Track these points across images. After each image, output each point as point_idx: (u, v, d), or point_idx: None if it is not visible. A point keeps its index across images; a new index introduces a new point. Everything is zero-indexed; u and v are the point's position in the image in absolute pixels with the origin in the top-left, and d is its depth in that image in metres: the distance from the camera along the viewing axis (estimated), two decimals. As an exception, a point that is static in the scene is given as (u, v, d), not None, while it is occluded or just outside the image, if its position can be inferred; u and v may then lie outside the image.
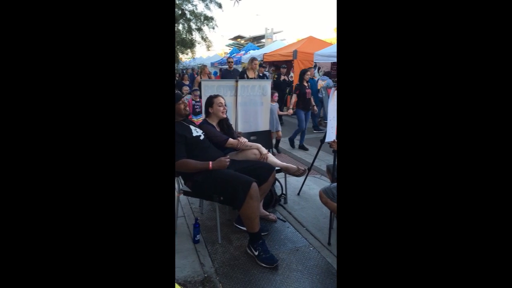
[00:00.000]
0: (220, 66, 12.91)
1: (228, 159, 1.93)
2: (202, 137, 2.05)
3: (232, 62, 5.91)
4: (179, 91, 2.10)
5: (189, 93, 4.55)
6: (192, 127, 2.03)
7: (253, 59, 4.91)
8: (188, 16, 11.22)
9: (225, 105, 2.28)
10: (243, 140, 2.19)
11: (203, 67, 5.70)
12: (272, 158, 2.25)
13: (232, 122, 2.58)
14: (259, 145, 2.25)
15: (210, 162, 1.88)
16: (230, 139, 2.16)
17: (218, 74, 10.28)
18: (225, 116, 2.28)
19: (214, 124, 2.28)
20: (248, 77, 4.51)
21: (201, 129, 2.16)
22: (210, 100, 2.26)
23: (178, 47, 11.44)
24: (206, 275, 1.68)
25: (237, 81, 2.85)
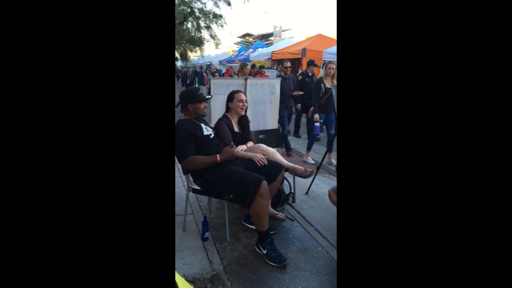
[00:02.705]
0: (228, 64, 12.91)
1: (234, 148, 1.92)
2: (212, 135, 2.06)
3: (289, 67, 4.15)
4: (203, 92, 2.12)
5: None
6: (203, 125, 2.04)
7: (327, 63, 3.58)
8: (197, 14, 11.26)
9: (246, 102, 2.29)
10: (239, 148, 2.18)
11: (242, 65, 4.27)
12: (278, 157, 2.24)
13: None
14: (259, 151, 2.21)
15: (218, 155, 1.89)
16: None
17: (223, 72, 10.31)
18: (243, 113, 2.28)
19: (234, 121, 2.28)
20: (325, 86, 3.49)
21: (215, 126, 2.17)
22: (231, 95, 2.29)
23: (187, 45, 11.48)
24: (214, 272, 1.69)
25: (246, 80, 2.85)
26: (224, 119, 2.26)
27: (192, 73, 10.87)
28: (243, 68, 4.16)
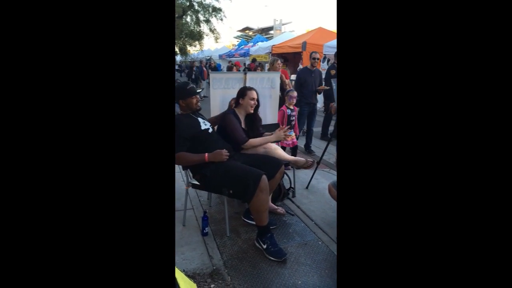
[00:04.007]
0: (228, 59, 12.82)
1: (227, 153, 1.88)
2: (210, 130, 2.03)
3: (317, 59, 3.71)
4: (193, 86, 2.05)
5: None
6: (200, 119, 2.02)
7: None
8: (196, 7, 11.15)
9: (257, 100, 2.22)
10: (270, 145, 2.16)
11: (273, 60, 3.70)
12: (280, 152, 2.23)
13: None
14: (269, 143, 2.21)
15: (206, 154, 1.85)
16: (250, 141, 2.11)
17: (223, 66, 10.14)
18: (252, 111, 2.22)
19: (242, 118, 2.23)
20: None
21: (224, 119, 2.13)
22: (244, 91, 2.20)
23: (186, 39, 11.39)
24: (214, 267, 1.69)
25: (245, 74, 2.82)
26: (231, 112, 2.19)
27: (197, 68, 10.50)
28: (274, 63, 3.61)
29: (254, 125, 2.27)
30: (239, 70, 8.25)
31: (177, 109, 2.02)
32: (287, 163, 2.27)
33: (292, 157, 2.23)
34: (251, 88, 2.23)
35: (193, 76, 9.68)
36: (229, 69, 8.81)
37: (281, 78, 3.31)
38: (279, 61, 3.48)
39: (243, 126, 2.23)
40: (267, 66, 8.00)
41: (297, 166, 2.23)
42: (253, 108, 2.21)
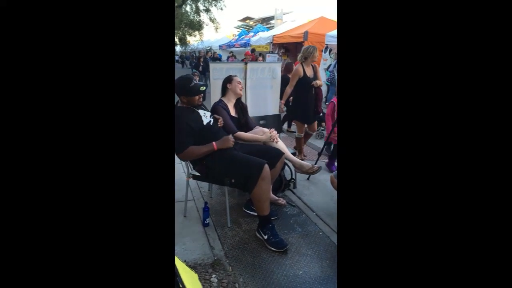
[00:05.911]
0: (229, 49, 12.69)
1: (233, 140, 1.90)
2: (211, 122, 2.01)
3: None
4: (197, 83, 1.93)
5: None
6: (201, 112, 1.99)
7: None
8: (196, -4, 10.97)
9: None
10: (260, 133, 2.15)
11: (313, 49, 2.95)
12: (284, 148, 2.19)
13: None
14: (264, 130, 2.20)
15: (214, 143, 1.85)
16: (240, 133, 2.13)
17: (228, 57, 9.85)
18: (242, 93, 2.28)
19: (231, 105, 2.24)
20: None
21: (215, 111, 2.13)
22: (229, 78, 2.28)
23: (186, 29, 11.22)
24: (216, 258, 1.69)
25: (246, 64, 2.79)
26: (220, 104, 2.19)
27: (210, 58, 9.52)
28: (314, 52, 2.90)
29: (244, 111, 2.31)
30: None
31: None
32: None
33: (297, 160, 2.18)
34: (235, 75, 2.32)
35: (200, 68, 9.10)
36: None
37: (314, 68, 2.98)
38: (316, 52, 2.98)
39: (233, 114, 2.24)
40: (268, 55, 7.83)
41: (301, 170, 2.17)
42: (242, 90, 2.27)
